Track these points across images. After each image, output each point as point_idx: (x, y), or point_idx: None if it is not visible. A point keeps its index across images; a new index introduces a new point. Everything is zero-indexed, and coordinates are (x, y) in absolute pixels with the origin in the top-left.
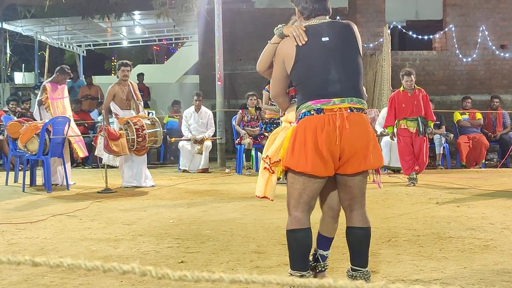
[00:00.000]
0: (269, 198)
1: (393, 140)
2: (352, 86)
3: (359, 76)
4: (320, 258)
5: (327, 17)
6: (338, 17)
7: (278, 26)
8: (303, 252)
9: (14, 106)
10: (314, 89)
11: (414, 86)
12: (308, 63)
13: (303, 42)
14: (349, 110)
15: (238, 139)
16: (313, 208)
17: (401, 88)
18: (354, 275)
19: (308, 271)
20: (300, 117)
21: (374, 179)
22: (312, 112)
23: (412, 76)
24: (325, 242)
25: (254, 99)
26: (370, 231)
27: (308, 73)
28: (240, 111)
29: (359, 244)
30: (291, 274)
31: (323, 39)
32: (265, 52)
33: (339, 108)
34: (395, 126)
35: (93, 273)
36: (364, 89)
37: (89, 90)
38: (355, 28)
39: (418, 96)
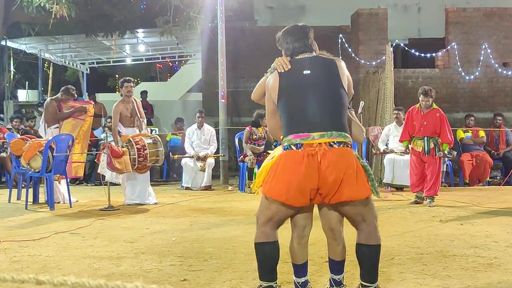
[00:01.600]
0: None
1: (405, 154)
2: (333, 120)
3: (341, 109)
4: (333, 282)
5: (312, 53)
6: (340, 35)
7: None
8: (270, 264)
9: (17, 123)
10: (294, 123)
11: (431, 105)
12: (288, 96)
13: (286, 69)
14: (329, 146)
15: (242, 156)
16: (281, 224)
17: (418, 105)
18: None
19: (275, 282)
20: (283, 149)
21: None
22: (292, 147)
23: (429, 97)
24: (333, 265)
25: (264, 120)
26: (376, 249)
27: (289, 106)
28: (248, 128)
29: (366, 260)
30: (260, 285)
31: (304, 72)
32: (259, 84)
33: (319, 143)
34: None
35: None
36: (357, 120)
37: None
38: (342, 63)
39: (432, 116)
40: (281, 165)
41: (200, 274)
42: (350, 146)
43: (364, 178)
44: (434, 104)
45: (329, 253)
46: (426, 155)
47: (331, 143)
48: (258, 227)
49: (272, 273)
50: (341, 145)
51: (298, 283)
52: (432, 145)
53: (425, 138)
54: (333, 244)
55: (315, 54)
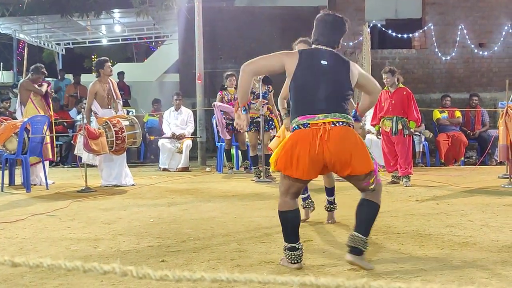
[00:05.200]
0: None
1: (378, 138)
2: (336, 105)
3: (345, 100)
4: (328, 202)
5: (331, 48)
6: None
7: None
8: (293, 228)
9: None
10: (303, 106)
11: (397, 84)
12: (302, 81)
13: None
14: (332, 124)
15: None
16: (300, 193)
17: (385, 87)
18: (356, 236)
19: (298, 242)
20: (292, 129)
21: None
22: (300, 127)
23: (389, 74)
24: (328, 190)
25: (234, 80)
26: (376, 207)
27: (301, 91)
28: (219, 92)
29: (364, 213)
30: (284, 245)
31: (322, 61)
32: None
33: (323, 122)
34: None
35: (73, 273)
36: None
37: (75, 88)
38: (354, 66)
39: (399, 94)
40: (291, 144)
41: (178, 255)
42: (352, 126)
43: (367, 154)
44: (400, 84)
45: (325, 183)
46: (394, 135)
47: (334, 122)
48: (280, 196)
49: (294, 236)
50: (343, 124)
51: (329, 200)
52: (400, 126)
53: (394, 118)
54: (327, 178)
55: (334, 50)
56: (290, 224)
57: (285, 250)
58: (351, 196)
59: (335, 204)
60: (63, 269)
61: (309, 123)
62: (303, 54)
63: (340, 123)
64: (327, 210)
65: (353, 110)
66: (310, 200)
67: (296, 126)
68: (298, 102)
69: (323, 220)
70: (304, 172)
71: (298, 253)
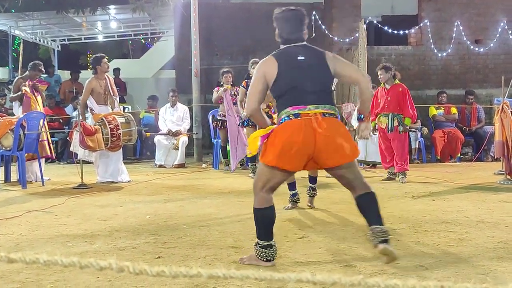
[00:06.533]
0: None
1: (374, 134)
2: (324, 96)
3: (329, 90)
4: (310, 189)
5: (304, 42)
6: (314, 12)
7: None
8: (268, 226)
9: None
10: (293, 98)
11: (394, 81)
12: (287, 78)
13: None
14: (322, 115)
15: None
16: (275, 189)
17: (382, 84)
18: (375, 230)
19: (272, 240)
20: (280, 121)
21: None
22: (290, 117)
23: (383, 70)
24: (311, 178)
25: (230, 77)
26: (373, 194)
27: (288, 86)
28: (216, 88)
29: (369, 205)
30: (258, 243)
31: (299, 57)
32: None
33: (314, 113)
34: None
35: (69, 269)
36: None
37: (72, 84)
38: (329, 56)
39: (395, 90)
40: (280, 134)
41: (174, 251)
42: (338, 118)
43: (353, 141)
44: (397, 80)
45: (309, 172)
46: (390, 132)
47: (325, 113)
48: (256, 194)
49: (270, 233)
50: (332, 116)
51: (312, 186)
52: (396, 123)
53: (390, 114)
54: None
55: (306, 43)
56: (268, 221)
57: (258, 247)
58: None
59: (316, 191)
60: (59, 265)
61: (300, 114)
62: (279, 56)
63: (329, 115)
64: (309, 195)
65: (358, 114)
66: (298, 197)
67: (286, 117)
68: (286, 94)
69: (319, 217)
70: (295, 162)
71: (274, 250)
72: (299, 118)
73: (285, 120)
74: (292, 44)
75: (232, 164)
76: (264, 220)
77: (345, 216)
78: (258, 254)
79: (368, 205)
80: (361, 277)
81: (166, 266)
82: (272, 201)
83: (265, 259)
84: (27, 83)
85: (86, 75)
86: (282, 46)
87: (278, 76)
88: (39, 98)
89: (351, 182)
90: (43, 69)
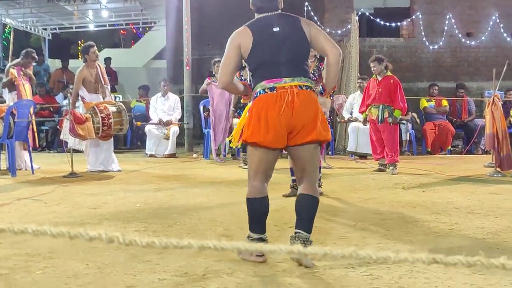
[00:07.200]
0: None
1: (365, 125)
2: (301, 68)
3: (305, 61)
4: (292, 181)
5: (278, 11)
6: (306, 3)
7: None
8: (261, 218)
9: None
10: (268, 72)
11: (385, 72)
12: (262, 50)
13: None
14: (299, 87)
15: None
16: (270, 177)
17: (374, 76)
18: (296, 236)
19: (264, 234)
20: (255, 96)
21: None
22: (266, 91)
23: (376, 62)
24: (292, 171)
25: None
26: (317, 201)
27: (262, 58)
28: (207, 78)
29: (305, 209)
30: (249, 235)
31: (274, 29)
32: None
33: (290, 86)
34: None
35: (58, 255)
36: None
37: (62, 73)
38: (304, 22)
39: (387, 82)
40: (256, 110)
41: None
42: (314, 92)
43: (326, 122)
44: (389, 72)
45: (290, 164)
46: (380, 124)
47: (301, 85)
48: (248, 183)
49: (261, 226)
50: (308, 89)
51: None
52: (386, 114)
53: (380, 106)
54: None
55: (280, 12)
56: (259, 213)
57: (249, 240)
58: (336, 183)
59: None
60: (48, 235)
61: (275, 87)
62: (254, 27)
63: (305, 87)
64: (292, 188)
65: (320, 86)
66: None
67: (261, 91)
68: (261, 68)
69: None
70: (275, 137)
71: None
72: (274, 92)
73: (260, 94)
74: (267, 14)
75: (213, 151)
76: (255, 211)
77: (335, 205)
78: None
79: (305, 208)
80: (353, 249)
81: (156, 238)
82: (266, 192)
83: (256, 253)
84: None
85: (76, 64)
86: (256, 15)
87: (253, 48)
88: (27, 86)
89: (304, 171)
90: (36, 57)
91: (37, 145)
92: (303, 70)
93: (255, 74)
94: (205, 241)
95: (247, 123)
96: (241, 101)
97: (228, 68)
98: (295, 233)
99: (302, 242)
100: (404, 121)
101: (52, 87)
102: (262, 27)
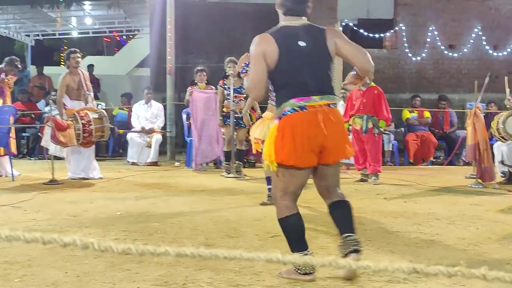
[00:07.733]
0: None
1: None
2: (326, 85)
3: (330, 76)
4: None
5: (303, 17)
6: None
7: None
8: (299, 235)
9: None
10: (296, 89)
11: (369, 83)
12: (290, 67)
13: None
14: (327, 106)
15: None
16: (298, 196)
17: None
18: (346, 240)
19: (308, 250)
20: (284, 113)
21: (348, 168)
22: (296, 109)
23: (357, 73)
24: (268, 181)
25: (204, 75)
26: (349, 203)
27: (290, 74)
28: (190, 87)
29: (343, 213)
30: None
31: (300, 43)
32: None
33: (319, 104)
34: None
35: (37, 263)
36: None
37: (39, 79)
38: (329, 32)
39: (371, 93)
40: (288, 129)
41: None
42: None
43: (348, 137)
44: (372, 83)
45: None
46: (364, 134)
47: (329, 104)
48: (277, 203)
49: (302, 243)
50: (335, 106)
51: None
52: (370, 125)
53: (365, 116)
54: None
55: (306, 21)
56: (295, 230)
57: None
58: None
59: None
60: (21, 240)
61: (306, 105)
62: (278, 38)
63: (333, 105)
64: (269, 197)
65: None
66: None
67: (291, 109)
68: (289, 84)
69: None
70: (309, 158)
71: None
72: (305, 111)
73: (290, 112)
74: (291, 24)
75: (194, 161)
76: (291, 229)
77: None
78: (296, 267)
79: (342, 212)
80: (332, 258)
81: (132, 244)
82: (296, 208)
83: (303, 273)
84: None
85: (57, 71)
86: (281, 19)
87: (279, 63)
88: (8, 92)
89: (330, 185)
90: (19, 66)
91: (15, 152)
92: (329, 87)
93: (281, 91)
94: (183, 249)
95: (280, 143)
96: (223, 110)
97: (261, 84)
98: (345, 237)
99: (354, 244)
100: (387, 132)
101: (30, 91)
102: (286, 39)
